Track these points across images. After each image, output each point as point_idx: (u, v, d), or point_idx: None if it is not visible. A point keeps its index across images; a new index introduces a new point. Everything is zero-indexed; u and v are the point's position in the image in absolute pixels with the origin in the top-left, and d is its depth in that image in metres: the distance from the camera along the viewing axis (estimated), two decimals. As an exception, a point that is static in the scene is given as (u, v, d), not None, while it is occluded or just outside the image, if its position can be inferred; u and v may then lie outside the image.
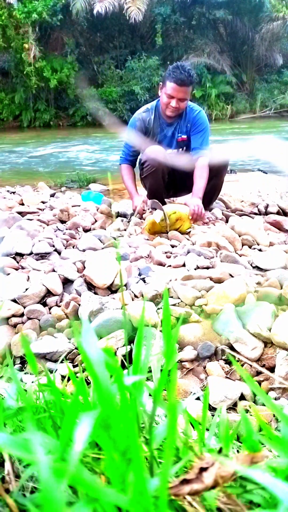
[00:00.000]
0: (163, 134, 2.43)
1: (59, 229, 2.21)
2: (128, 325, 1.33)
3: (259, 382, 1.20)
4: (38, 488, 0.35)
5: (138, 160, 2.49)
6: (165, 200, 2.53)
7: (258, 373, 1.22)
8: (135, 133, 2.42)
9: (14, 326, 1.46)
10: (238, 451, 0.52)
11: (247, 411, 1.06)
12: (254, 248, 1.99)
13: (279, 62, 15.86)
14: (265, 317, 1.30)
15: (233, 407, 1.11)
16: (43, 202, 2.96)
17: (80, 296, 1.50)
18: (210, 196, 2.53)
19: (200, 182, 2.28)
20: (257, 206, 2.69)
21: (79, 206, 2.78)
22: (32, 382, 1.00)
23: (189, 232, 2.17)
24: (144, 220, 2.35)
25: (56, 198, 3.32)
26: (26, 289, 1.53)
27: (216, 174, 2.38)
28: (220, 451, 0.38)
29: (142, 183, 2.54)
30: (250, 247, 2.01)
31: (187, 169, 2.32)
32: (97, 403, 0.33)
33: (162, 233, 2.15)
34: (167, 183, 2.41)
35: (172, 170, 2.35)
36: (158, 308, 1.39)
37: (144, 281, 1.58)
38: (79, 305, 1.46)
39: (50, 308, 1.50)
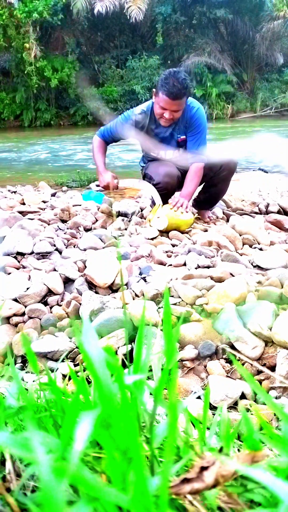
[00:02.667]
0: (161, 135, 2.37)
1: (60, 229, 2.21)
2: (129, 324, 1.33)
3: (260, 381, 1.20)
4: (39, 487, 0.35)
5: (148, 176, 2.39)
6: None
7: (259, 372, 1.22)
8: (123, 127, 2.35)
9: (15, 325, 1.46)
10: (239, 450, 0.52)
11: (248, 410, 1.06)
12: (255, 247, 1.99)
13: (280, 61, 15.86)
14: (265, 316, 1.30)
15: (234, 406, 1.11)
16: (44, 202, 2.96)
17: (81, 295, 1.50)
18: (214, 199, 2.50)
19: (189, 186, 2.24)
20: (257, 205, 2.69)
21: (80, 205, 2.78)
22: (33, 381, 1.00)
23: (190, 231, 2.17)
24: (145, 218, 2.35)
25: (57, 197, 3.32)
26: (27, 288, 1.53)
27: (224, 179, 2.33)
28: (221, 450, 0.38)
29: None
30: (250, 246, 2.01)
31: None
32: (98, 402, 0.33)
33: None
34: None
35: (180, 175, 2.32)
36: (159, 307, 1.39)
37: (145, 280, 1.58)
38: (80, 304, 1.46)
39: (51, 307, 1.50)
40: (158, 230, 2.11)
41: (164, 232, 2.13)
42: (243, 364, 1.22)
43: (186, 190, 2.24)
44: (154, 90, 2.23)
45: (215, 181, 2.34)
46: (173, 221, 2.11)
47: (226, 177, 2.34)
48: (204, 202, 2.48)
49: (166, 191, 2.25)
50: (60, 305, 1.50)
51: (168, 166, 2.29)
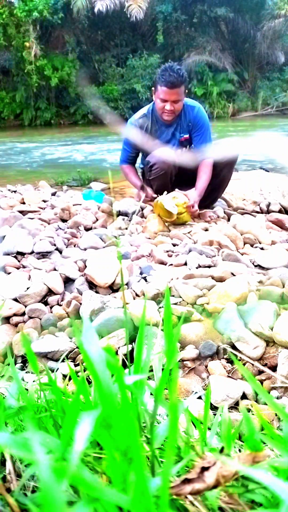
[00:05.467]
0: (163, 137, 2.42)
1: (60, 228, 2.20)
2: (129, 324, 1.33)
3: (261, 381, 1.20)
4: (39, 487, 0.35)
5: (145, 162, 2.48)
6: None
7: (260, 372, 1.22)
8: (133, 136, 2.43)
9: (15, 325, 1.46)
10: (240, 450, 0.52)
11: (249, 410, 1.06)
12: (256, 247, 1.99)
13: (281, 60, 15.82)
14: (267, 316, 1.30)
15: (235, 406, 1.11)
16: (44, 201, 2.95)
17: (81, 295, 1.50)
18: (217, 192, 2.53)
19: (203, 178, 2.31)
20: (259, 205, 2.68)
21: (80, 204, 2.77)
22: (33, 381, 1.00)
23: (190, 231, 2.17)
24: (146, 218, 2.35)
25: (57, 196, 3.32)
26: (27, 288, 1.53)
27: (225, 168, 2.38)
28: (221, 450, 0.38)
29: (148, 184, 2.53)
30: (252, 245, 2.01)
31: (192, 168, 2.33)
32: (98, 402, 0.33)
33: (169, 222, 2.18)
34: (173, 183, 2.42)
35: (178, 170, 2.36)
36: (160, 307, 1.39)
37: (146, 280, 1.58)
38: (80, 304, 1.46)
39: (51, 307, 1.50)
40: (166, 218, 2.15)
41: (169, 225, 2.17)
42: (244, 364, 1.22)
43: (201, 185, 2.31)
44: (153, 88, 2.34)
45: (218, 170, 2.37)
46: (182, 205, 2.16)
47: (228, 163, 2.38)
48: (208, 196, 2.49)
49: (163, 172, 2.30)
50: (61, 305, 1.50)
51: (163, 148, 2.34)
